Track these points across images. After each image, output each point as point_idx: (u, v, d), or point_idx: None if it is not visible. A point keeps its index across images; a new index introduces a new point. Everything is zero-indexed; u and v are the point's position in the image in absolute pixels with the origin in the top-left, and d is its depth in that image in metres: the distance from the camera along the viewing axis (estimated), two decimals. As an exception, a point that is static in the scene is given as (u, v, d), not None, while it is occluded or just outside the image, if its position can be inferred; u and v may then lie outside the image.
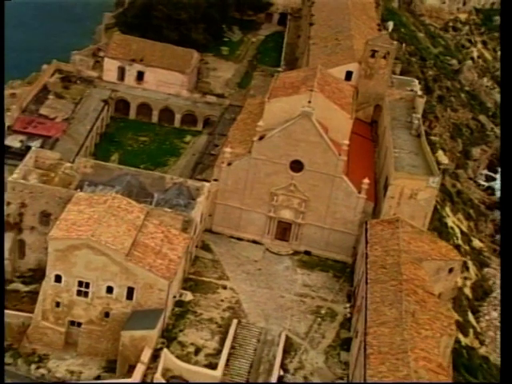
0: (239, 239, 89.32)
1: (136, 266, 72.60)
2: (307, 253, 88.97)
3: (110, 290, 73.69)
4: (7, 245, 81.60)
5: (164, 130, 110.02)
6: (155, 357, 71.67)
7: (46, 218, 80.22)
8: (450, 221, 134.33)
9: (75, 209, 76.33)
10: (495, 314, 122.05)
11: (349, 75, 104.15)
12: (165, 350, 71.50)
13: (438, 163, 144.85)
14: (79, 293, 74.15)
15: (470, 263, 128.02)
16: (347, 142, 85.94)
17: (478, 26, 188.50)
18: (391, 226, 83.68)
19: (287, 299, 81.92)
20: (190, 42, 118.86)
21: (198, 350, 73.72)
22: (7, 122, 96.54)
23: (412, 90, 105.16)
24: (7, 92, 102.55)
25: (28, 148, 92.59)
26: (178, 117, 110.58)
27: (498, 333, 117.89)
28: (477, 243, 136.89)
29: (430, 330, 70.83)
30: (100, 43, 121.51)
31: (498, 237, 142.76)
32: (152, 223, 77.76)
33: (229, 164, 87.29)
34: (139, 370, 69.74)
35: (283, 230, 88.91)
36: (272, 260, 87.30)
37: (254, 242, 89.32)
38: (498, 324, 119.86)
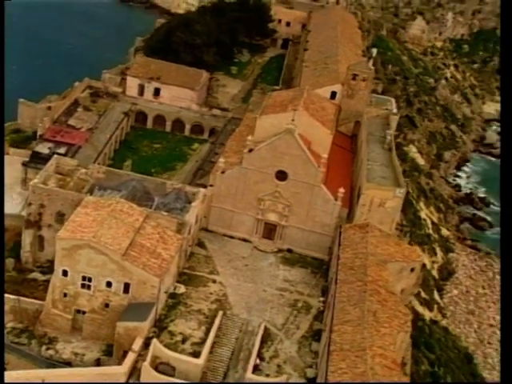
0: (231, 237, 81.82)
1: (131, 265, 65.71)
2: (289, 251, 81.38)
3: (109, 284, 67.05)
4: (28, 239, 75.39)
5: (175, 138, 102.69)
6: (147, 344, 64.52)
7: (60, 218, 73.46)
8: (423, 213, 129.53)
9: (83, 211, 69.43)
10: (456, 292, 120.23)
11: (333, 95, 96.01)
12: (154, 339, 64.44)
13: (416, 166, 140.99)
14: (83, 286, 67.64)
15: (437, 249, 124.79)
16: (326, 155, 78.35)
17: (451, 52, 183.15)
18: (362, 230, 75.72)
19: (268, 293, 74.55)
20: (202, 63, 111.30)
21: (185, 339, 66.80)
22: (40, 131, 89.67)
23: (387, 109, 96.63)
24: (44, 105, 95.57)
25: (56, 154, 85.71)
26: (187, 127, 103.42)
27: (458, 307, 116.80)
28: (444, 232, 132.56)
29: (389, 327, 63.31)
30: (128, 63, 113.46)
31: (461, 226, 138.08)
32: (150, 225, 70.57)
33: (222, 172, 79.91)
34: (130, 358, 62.91)
35: (269, 231, 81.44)
36: (258, 257, 79.92)
37: (244, 240, 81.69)
38: (458, 300, 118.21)
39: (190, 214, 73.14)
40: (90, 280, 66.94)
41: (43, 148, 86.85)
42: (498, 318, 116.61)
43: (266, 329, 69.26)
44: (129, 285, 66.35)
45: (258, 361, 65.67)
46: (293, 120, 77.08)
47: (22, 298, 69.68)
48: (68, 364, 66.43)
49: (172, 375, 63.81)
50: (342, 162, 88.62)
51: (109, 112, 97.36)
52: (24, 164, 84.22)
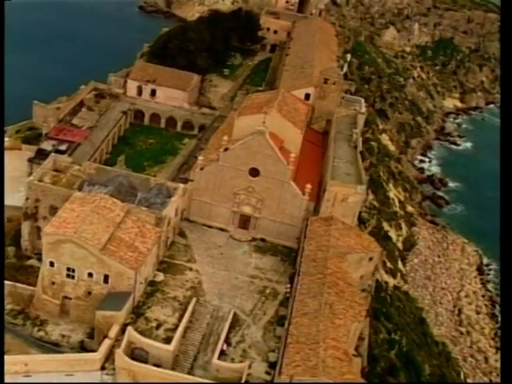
0: (210, 227, 72.86)
1: (109, 259, 57.28)
2: (263, 240, 72.45)
3: (90, 275, 59.07)
4: (26, 230, 67.46)
5: (169, 134, 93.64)
6: (124, 330, 56.55)
7: (54, 211, 64.80)
8: (392, 193, 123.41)
9: (69, 207, 61.23)
10: (416, 260, 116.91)
11: (307, 96, 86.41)
12: (129, 327, 56.41)
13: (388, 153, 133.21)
14: (68, 275, 59.70)
15: (403, 224, 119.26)
16: (294, 154, 69.03)
17: (417, 56, 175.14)
18: (326, 223, 67.13)
19: (240, 280, 66.03)
20: (195, 66, 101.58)
21: (159, 325, 58.84)
22: (45, 130, 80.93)
23: (355, 109, 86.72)
24: (54, 106, 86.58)
25: (57, 150, 77.28)
26: (179, 124, 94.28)
27: (417, 274, 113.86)
28: (409, 208, 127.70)
29: (343, 318, 55.51)
30: (132, 67, 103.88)
31: (423, 204, 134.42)
32: (130, 219, 62.24)
33: (201, 168, 71.01)
34: (105, 345, 54.94)
35: (244, 221, 72.73)
36: (233, 245, 71.08)
37: (222, 229, 72.73)
38: (418, 268, 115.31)
39: (168, 209, 64.58)
40: (73, 271, 58.96)
41: (47, 145, 78.50)
42: (449, 281, 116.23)
43: (235, 315, 61.15)
44: (108, 276, 58.31)
45: (224, 346, 57.62)
46: (264, 122, 67.95)
47: (17, 284, 61.87)
48: (56, 345, 58.80)
49: (146, 359, 55.98)
50: (312, 157, 79.40)
51: (109, 111, 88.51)
52: (29, 160, 75.79)
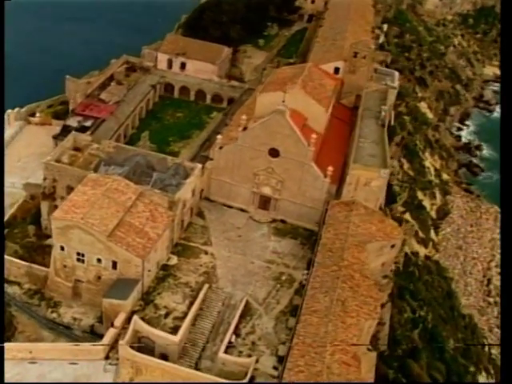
0: (230, 207, 64.97)
1: (115, 246, 50.41)
2: (283, 221, 64.14)
3: (99, 260, 52.70)
4: (45, 209, 61.36)
5: (198, 107, 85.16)
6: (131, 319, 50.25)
7: (70, 191, 58.05)
8: (428, 162, 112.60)
9: (82, 190, 54.69)
10: (449, 229, 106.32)
11: (337, 70, 75.65)
12: (135, 316, 50.01)
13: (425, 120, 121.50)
14: (78, 260, 53.44)
15: (437, 193, 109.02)
16: (316, 135, 59.63)
17: (459, 24, 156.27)
18: (347, 207, 58.13)
19: (256, 265, 58.26)
20: (228, 38, 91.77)
21: (168, 314, 52.25)
22: (71, 106, 74.04)
23: (386, 84, 75.44)
24: (85, 80, 79.21)
25: (83, 127, 70.40)
26: (208, 97, 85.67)
27: (449, 243, 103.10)
28: (445, 177, 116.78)
29: (356, 316, 47.15)
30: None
31: (459, 171, 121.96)
32: (143, 202, 55.19)
33: (220, 148, 62.68)
34: (109, 335, 48.90)
35: (264, 202, 64.43)
36: (252, 227, 63.01)
37: (242, 210, 64.69)
38: (450, 237, 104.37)
39: (182, 192, 57.03)
40: (83, 255, 52.87)
41: (73, 121, 71.83)
42: (480, 251, 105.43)
43: (247, 303, 53.91)
44: (116, 262, 51.89)
45: (233, 338, 50.62)
46: (283, 101, 58.54)
47: (33, 265, 56.55)
48: (67, 327, 53.40)
49: (153, 348, 49.67)
50: (339, 135, 69.65)
51: (137, 85, 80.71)
52: (54, 137, 69.31)
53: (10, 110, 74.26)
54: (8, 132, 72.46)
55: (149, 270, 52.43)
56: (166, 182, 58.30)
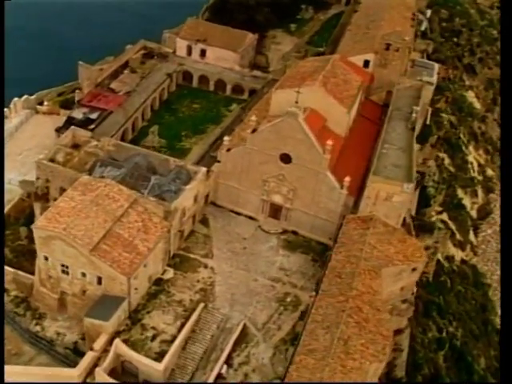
0: (238, 214, 59.04)
1: (99, 261, 45.39)
2: (294, 233, 57.90)
3: (84, 274, 47.77)
4: (38, 211, 56.76)
5: (216, 97, 78.49)
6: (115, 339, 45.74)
7: (64, 192, 53.13)
8: (471, 157, 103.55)
9: (70, 195, 49.95)
10: (489, 231, 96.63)
11: (367, 63, 67.72)
12: (116, 339, 45.40)
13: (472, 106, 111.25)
14: (63, 271, 48.81)
15: (479, 191, 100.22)
16: (332, 142, 52.34)
17: None
18: (364, 224, 51.37)
19: (259, 283, 52.51)
20: (254, 22, 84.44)
21: (155, 336, 47.25)
22: (77, 97, 68.74)
23: (421, 80, 67.02)
24: (97, 67, 73.94)
25: (88, 119, 65.43)
26: (228, 87, 78.80)
27: (489, 246, 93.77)
28: (489, 172, 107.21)
29: (360, 359, 40.62)
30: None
31: None
32: (136, 211, 50.01)
33: (228, 150, 56.53)
34: (86, 360, 44.51)
35: (275, 211, 58.26)
36: (260, 238, 57.06)
37: (250, 218, 58.65)
38: (490, 239, 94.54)
39: (180, 200, 51.43)
40: (68, 267, 48.18)
41: (78, 113, 66.73)
42: None
43: (244, 327, 48.36)
44: (101, 278, 46.97)
45: (224, 368, 45.27)
46: (296, 102, 51.68)
47: (19, 272, 52.59)
48: (50, 342, 49.26)
49: (136, 374, 45.05)
50: (364, 137, 62.29)
51: (152, 74, 74.77)
52: (57, 130, 64.53)
53: (16, 99, 70.29)
54: (13, 122, 68.58)
55: (136, 288, 47.49)
56: (165, 187, 52.85)
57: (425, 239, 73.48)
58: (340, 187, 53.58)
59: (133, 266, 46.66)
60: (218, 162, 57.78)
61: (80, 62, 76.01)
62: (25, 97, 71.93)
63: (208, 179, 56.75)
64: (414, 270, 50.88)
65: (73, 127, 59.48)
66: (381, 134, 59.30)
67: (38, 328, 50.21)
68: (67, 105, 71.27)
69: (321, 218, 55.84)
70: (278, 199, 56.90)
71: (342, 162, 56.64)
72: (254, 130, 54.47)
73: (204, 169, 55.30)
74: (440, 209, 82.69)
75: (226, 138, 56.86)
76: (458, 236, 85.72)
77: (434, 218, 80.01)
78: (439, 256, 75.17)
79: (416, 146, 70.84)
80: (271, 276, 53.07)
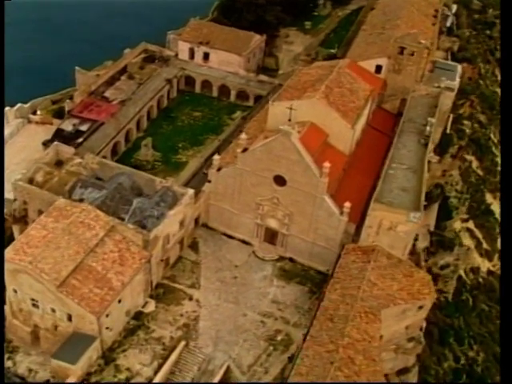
0: (231, 237, 54.27)
1: (66, 298, 41.37)
2: (292, 260, 52.89)
3: (54, 310, 43.83)
4: (17, 233, 52.98)
5: (220, 104, 73.58)
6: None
7: (43, 215, 49.97)
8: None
9: (43, 222, 46.15)
10: None
11: (379, 68, 61.67)
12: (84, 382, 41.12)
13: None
14: (34, 305, 44.93)
15: None
16: (328, 164, 46.71)
17: None
18: (365, 256, 46.15)
19: (248, 318, 47.75)
20: (264, 22, 78.80)
21: (128, 379, 43.20)
22: (68, 107, 64.53)
23: (439, 86, 60.52)
24: (94, 73, 69.96)
25: (78, 131, 61.42)
26: (233, 93, 73.67)
27: None
28: None
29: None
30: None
31: None
32: (113, 239, 45.98)
33: (218, 169, 51.73)
34: (50, 408, 40.39)
35: (271, 235, 53.31)
36: (253, 266, 52.23)
37: (244, 242, 53.84)
38: None
39: (161, 228, 46.98)
40: (37, 301, 44.50)
41: (68, 125, 62.62)
42: None
43: (227, 370, 43.79)
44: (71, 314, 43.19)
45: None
46: (289, 120, 46.44)
47: (-5, 300, 49.21)
48: (22, 379, 45.75)
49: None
50: (373, 151, 56.62)
51: (151, 80, 70.16)
52: (44, 143, 60.60)
53: (7, 108, 66.88)
54: (5, 132, 65.40)
55: (107, 328, 43.54)
56: (147, 212, 48.57)
57: (444, 257, 68.08)
58: (340, 213, 48.39)
59: (103, 303, 42.73)
60: (209, 181, 53.31)
61: (77, 68, 72.65)
62: (18, 105, 68.66)
63: (198, 201, 52.28)
64: (420, 307, 45.53)
65: (56, 143, 55.71)
66: (390, 150, 53.53)
67: (9, 363, 46.65)
68: (61, 114, 67.69)
69: (319, 245, 50.78)
70: (273, 224, 51.96)
71: (344, 184, 51.32)
72: (244, 150, 49.58)
73: (191, 191, 50.75)
74: (466, 216, 76.34)
75: (215, 157, 52.06)
76: (484, 245, 79.36)
77: (458, 227, 74.22)
78: (461, 271, 69.49)
79: (434, 158, 65.28)
80: (262, 310, 48.24)
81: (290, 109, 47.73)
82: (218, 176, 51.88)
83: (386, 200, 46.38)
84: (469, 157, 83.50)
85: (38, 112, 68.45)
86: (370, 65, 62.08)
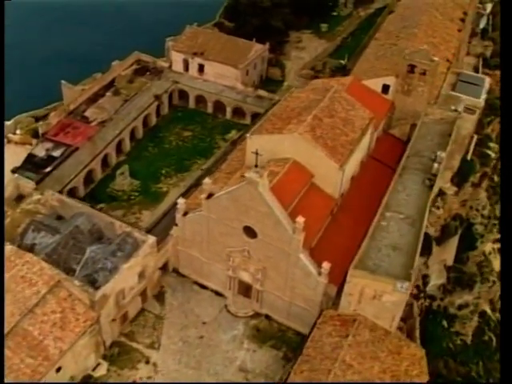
0: (203, 287, 48.07)
1: (-6, 370, 36.85)
2: (268, 317, 46.29)
3: (-15, 378, 39.04)
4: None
5: (215, 122, 66.99)
6: None
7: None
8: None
9: (-17, 273, 40.96)
10: None
11: (386, 88, 53.50)
12: None
13: None
14: (-30, 368, 40.40)
15: None
16: (303, 219, 39.71)
17: None
18: (343, 328, 39.28)
19: (209, 390, 41.66)
20: (269, 28, 71.15)
21: None
22: (41, 130, 58.79)
23: (456, 110, 51.77)
24: (79, 88, 64.46)
25: (50, 157, 56.23)
26: (228, 109, 66.98)
27: None
28: None
29: None
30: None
31: None
32: (57, 297, 41.14)
33: (184, 214, 45.38)
34: None
35: (245, 288, 46.79)
36: (223, 324, 46.03)
37: (217, 293, 47.66)
38: None
39: (111, 285, 41.44)
40: (-29, 366, 40.20)
41: (40, 150, 57.35)
42: None
43: None
44: (3, 386, 38.64)
45: None
46: (256, 166, 39.51)
47: None
48: None
49: None
50: (371, 191, 48.70)
51: (139, 95, 64.15)
52: (13, 171, 55.13)
53: (-15, 128, 62.95)
54: (-19, 154, 61.46)
55: (52, 394, 38.85)
56: (100, 264, 43.23)
57: (463, 295, 60.24)
58: (318, 273, 41.53)
59: (35, 375, 37.94)
60: (176, 225, 47.30)
61: (63, 82, 67.62)
62: (-1, 123, 64.75)
63: (163, 247, 46.49)
64: (408, 392, 38.34)
65: (16, 176, 51.07)
66: (386, 193, 45.81)
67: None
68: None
69: (298, 305, 44.18)
70: (245, 278, 45.63)
71: (330, 233, 44.33)
72: (209, 195, 43.23)
73: (152, 239, 44.92)
74: (498, 236, 67.80)
75: (180, 201, 45.82)
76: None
77: (488, 249, 66.04)
78: (486, 307, 61.46)
79: (450, 189, 56.87)
80: (226, 379, 42.30)
81: (256, 154, 40.95)
82: (185, 221, 46.01)
83: (370, 263, 39.14)
84: (497, 178, 74.42)
85: (18, 131, 64.14)
86: (376, 84, 54.18)
